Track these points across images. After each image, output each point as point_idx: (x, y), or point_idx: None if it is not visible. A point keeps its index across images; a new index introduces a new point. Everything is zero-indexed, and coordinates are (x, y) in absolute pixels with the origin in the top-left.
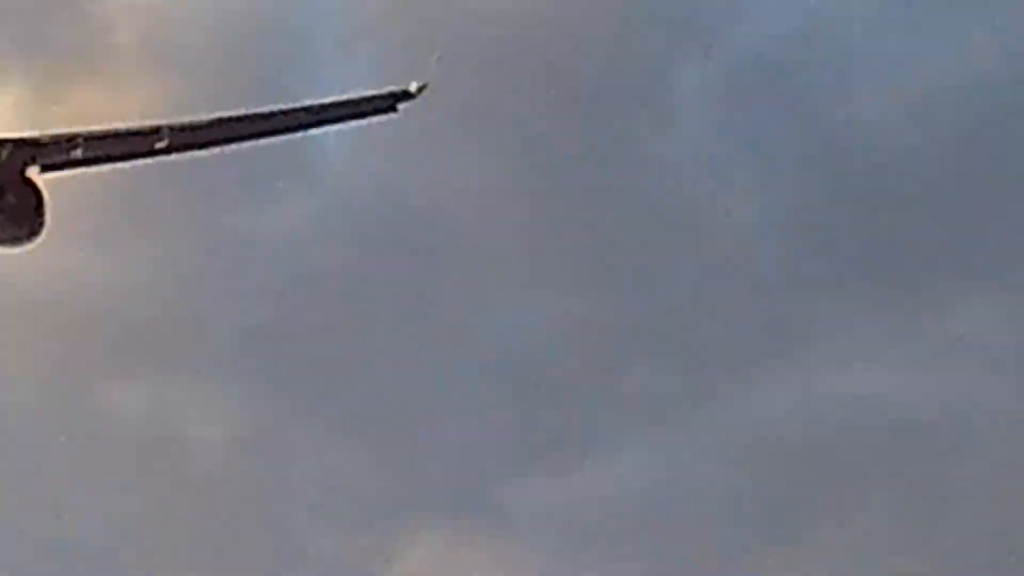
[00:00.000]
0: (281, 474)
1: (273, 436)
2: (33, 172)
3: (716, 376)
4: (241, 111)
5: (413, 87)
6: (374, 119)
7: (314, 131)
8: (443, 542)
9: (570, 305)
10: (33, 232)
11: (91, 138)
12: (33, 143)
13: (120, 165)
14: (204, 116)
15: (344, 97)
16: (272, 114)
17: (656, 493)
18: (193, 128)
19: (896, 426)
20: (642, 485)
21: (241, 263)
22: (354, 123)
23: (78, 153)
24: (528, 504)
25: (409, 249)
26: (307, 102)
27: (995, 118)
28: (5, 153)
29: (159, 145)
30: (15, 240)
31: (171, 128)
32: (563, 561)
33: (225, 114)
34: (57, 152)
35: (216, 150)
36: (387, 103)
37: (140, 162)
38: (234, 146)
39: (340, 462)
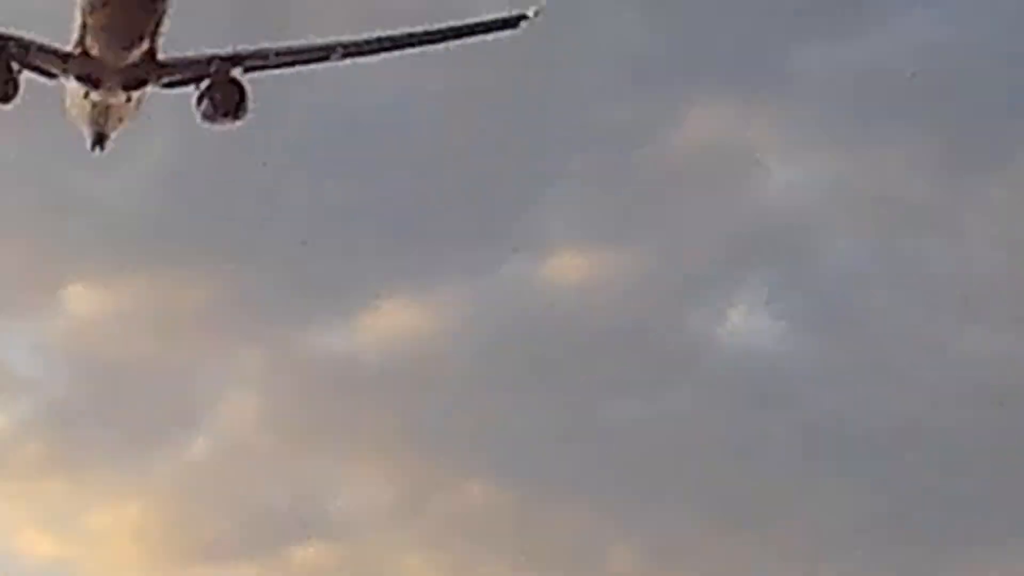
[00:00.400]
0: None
1: None
2: (238, 72)
3: None
4: (396, 32)
5: (531, 11)
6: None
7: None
8: (732, 111)
9: None
10: (236, 116)
11: (281, 52)
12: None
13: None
14: (365, 36)
15: (475, 20)
16: (421, 33)
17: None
18: (357, 45)
19: None
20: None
21: None
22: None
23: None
24: (815, 70)
25: None
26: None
27: None
28: (214, 65)
29: (332, 56)
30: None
31: (341, 45)
32: (847, 125)
33: (384, 34)
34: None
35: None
36: (511, 23)
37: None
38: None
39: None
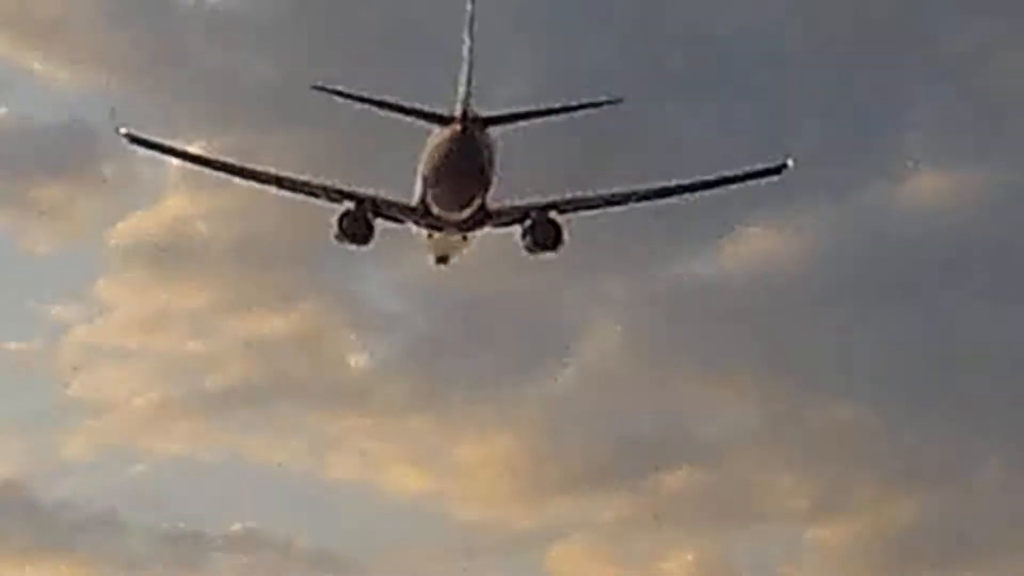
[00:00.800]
0: None
1: None
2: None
3: None
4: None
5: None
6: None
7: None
8: None
9: None
10: (555, 249)
11: (587, 199)
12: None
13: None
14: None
15: (743, 170)
16: (698, 183)
17: None
18: (645, 193)
19: None
20: None
21: None
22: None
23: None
24: None
25: None
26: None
27: None
28: (534, 211)
29: (628, 202)
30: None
31: (635, 193)
32: None
33: (666, 184)
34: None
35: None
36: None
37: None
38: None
39: None
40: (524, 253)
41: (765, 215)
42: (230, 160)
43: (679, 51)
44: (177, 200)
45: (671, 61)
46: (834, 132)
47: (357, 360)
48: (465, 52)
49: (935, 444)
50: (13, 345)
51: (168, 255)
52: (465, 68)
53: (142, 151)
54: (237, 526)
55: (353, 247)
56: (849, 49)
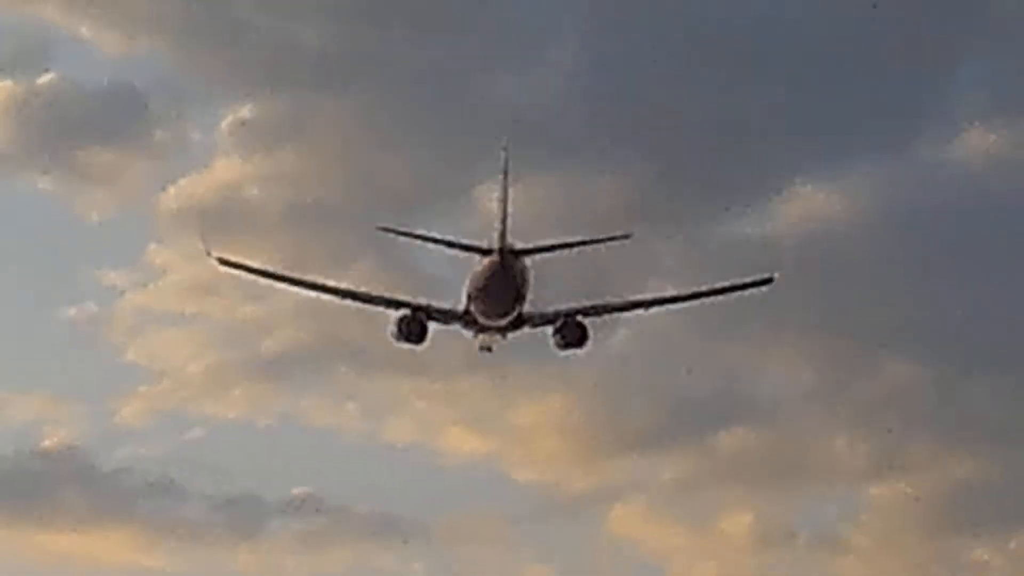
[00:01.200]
0: None
1: None
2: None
3: None
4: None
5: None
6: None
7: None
8: None
9: None
10: (581, 347)
11: (606, 306)
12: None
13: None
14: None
15: (731, 282)
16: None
17: None
18: (653, 301)
19: None
20: None
21: None
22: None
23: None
24: None
25: None
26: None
27: None
28: (562, 317)
29: (639, 308)
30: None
31: (645, 302)
32: None
33: (667, 294)
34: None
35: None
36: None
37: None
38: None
39: None
40: (555, 350)
41: (816, 173)
42: (313, 279)
43: None
44: (228, 164)
45: None
46: (884, 86)
47: None
48: (501, 195)
49: (992, 403)
50: (68, 311)
51: (220, 219)
52: (500, 208)
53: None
54: (296, 490)
55: (409, 346)
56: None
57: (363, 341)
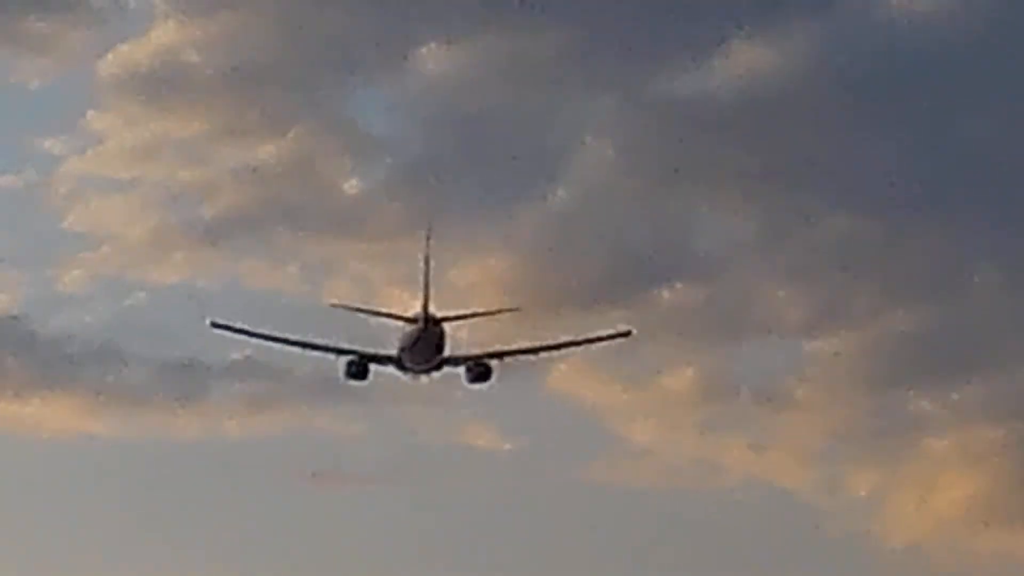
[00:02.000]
0: None
1: None
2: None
3: None
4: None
5: (633, 331)
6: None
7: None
8: None
9: None
10: (485, 382)
11: (508, 351)
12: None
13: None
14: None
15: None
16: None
17: None
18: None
19: None
20: None
21: None
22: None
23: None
24: None
25: None
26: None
27: None
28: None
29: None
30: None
31: (535, 348)
32: None
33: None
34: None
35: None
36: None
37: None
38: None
39: None
40: (466, 384)
41: (751, 29)
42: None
43: None
44: (166, 29)
45: None
46: None
47: (350, 185)
48: (423, 273)
49: (931, 254)
50: (7, 179)
51: (158, 84)
52: (424, 283)
53: None
54: (236, 354)
55: (355, 383)
56: None
57: (302, 203)
